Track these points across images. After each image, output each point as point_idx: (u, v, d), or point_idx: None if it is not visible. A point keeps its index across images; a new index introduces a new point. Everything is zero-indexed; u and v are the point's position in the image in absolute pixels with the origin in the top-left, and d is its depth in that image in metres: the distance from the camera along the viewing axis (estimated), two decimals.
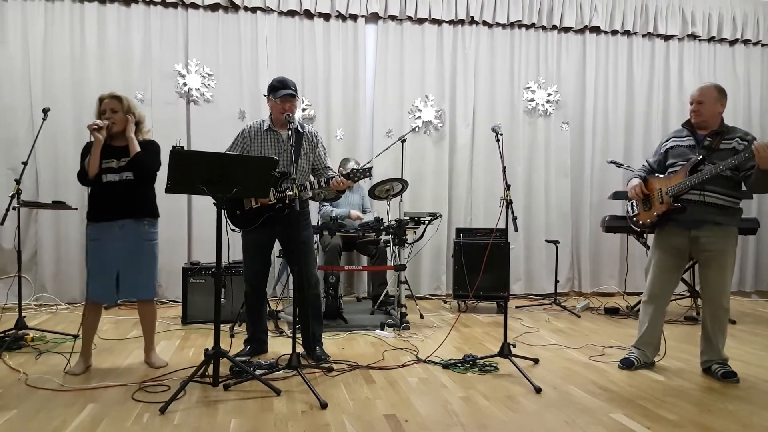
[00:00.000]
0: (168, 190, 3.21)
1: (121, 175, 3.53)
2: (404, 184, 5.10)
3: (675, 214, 3.60)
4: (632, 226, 3.93)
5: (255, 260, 3.95)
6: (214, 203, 3.28)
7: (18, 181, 4.16)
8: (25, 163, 4.26)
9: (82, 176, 3.53)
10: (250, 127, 3.98)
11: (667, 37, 7.09)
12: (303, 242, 3.87)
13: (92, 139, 3.48)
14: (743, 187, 3.58)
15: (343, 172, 3.74)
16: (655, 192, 3.71)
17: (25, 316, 4.36)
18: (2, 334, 4.16)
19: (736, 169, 3.46)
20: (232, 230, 3.93)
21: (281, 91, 3.76)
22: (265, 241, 3.92)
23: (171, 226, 6.03)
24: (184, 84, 6.07)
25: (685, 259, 3.75)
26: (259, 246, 3.92)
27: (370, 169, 3.72)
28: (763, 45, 7.31)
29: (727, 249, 3.57)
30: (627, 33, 7.00)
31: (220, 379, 3.27)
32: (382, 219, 5.18)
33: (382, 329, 4.72)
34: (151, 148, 3.63)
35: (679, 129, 3.82)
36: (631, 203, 3.89)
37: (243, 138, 3.95)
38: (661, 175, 3.75)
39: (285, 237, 3.89)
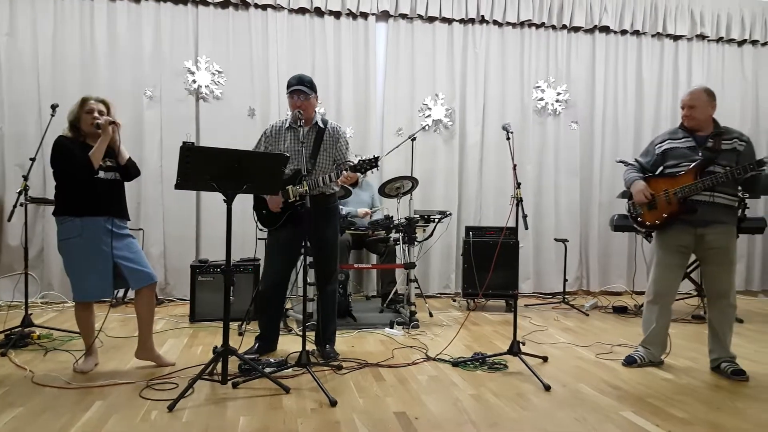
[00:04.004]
0: (178, 187, 3.21)
1: (112, 174, 3.55)
2: (414, 182, 5.09)
3: (684, 215, 3.60)
4: (636, 226, 3.91)
5: (276, 259, 3.93)
6: (224, 200, 3.27)
7: (26, 178, 4.15)
8: (33, 160, 4.22)
9: (86, 170, 3.39)
10: (272, 125, 3.99)
11: (676, 38, 7.04)
12: (328, 238, 3.86)
13: (66, 133, 3.51)
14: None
15: (350, 165, 3.65)
16: (660, 193, 3.70)
17: (31, 314, 4.35)
18: (8, 332, 4.15)
19: (739, 172, 3.48)
20: (260, 229, 3.93)
21: (290, 87, 3.77)
22: (288, 239, 3.87)
23: (179, 225, 6.06)
24: (194, 81, 6.07)
25: (688, 258, 3.79)
26: (281, 245, 3.89)
27: (376, 159, 3.64)
28: None
29: (730, 247, 3.62)
30: (636, 33, 6.96)
31: (229, 377, 3.26)
32: (392, 217, 5.17)
33: (392, 327, 4.71)
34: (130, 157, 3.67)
35: (673, 130, 3.84)
36: (632, 203, 3.87)
37: (266, 138, 3.96)
38: (658, 176, 3.76)
39: (312, 233, 3.83)
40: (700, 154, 3.58)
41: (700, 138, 3.64)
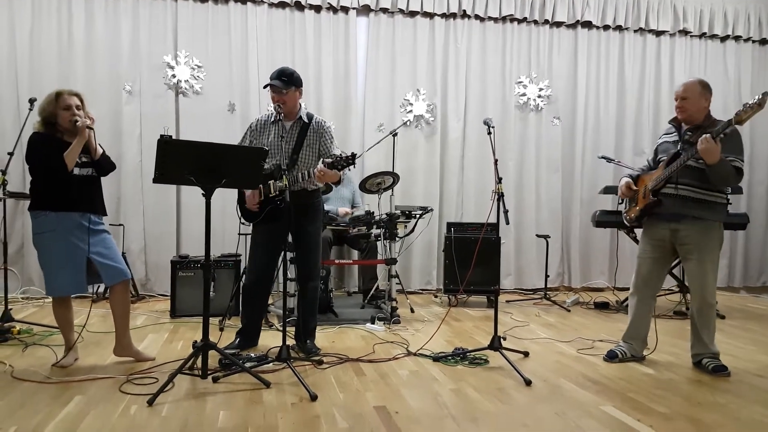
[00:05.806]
0: (156, 181, 3.17)
1: (87, 170, 3.52)
2: (395, 178, 5.08)
3: (654, 208, 3.65)
4: (626, 222, 4.00)
5: (259, 253, 3.90)
6: (202, 194, 3.24)
7: (4, 172, 4.12)
8: (11, 154, 4.21)
9: (62, 170, 3.36)
10: (258, 119, 3.94)
11: (658, 33, 7.08)
12: (309, 234, 3.83)
13: (39, 129, 3.46)
14: None
15: (326, 161, 3.54)
16: (642, 188, 3.77)
17: (11, 309, 4.32)
18: None
19: (687, 159, 3.47)
20: (242, 223, 3.90)
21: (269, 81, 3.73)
22: (269, 235, 3.83)
23: (160, 220, 6.01)
24: (173, 76, 6.00)
25: (669, 252, 3.75)
26: (263, 240, 3.86)
27: (354, 156, 3.47)
28: (754, 41, 7.30)
29: (706, 243, 3.56)
30: (618, 28, 6.98)
31: (209, 372, 3.23)
32: (373, 213, 5.15)
33: (373, 323, 4.70)
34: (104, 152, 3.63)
35: (669, 126, 3.83)
36: (625, 201, 3.96)
37: (251, 131, 3.92)
38: (646, 172, 3.83)
39: (293, 229, 3.75)
40: (679, 147, 3.60)
41: (684, 132, 3.64)
